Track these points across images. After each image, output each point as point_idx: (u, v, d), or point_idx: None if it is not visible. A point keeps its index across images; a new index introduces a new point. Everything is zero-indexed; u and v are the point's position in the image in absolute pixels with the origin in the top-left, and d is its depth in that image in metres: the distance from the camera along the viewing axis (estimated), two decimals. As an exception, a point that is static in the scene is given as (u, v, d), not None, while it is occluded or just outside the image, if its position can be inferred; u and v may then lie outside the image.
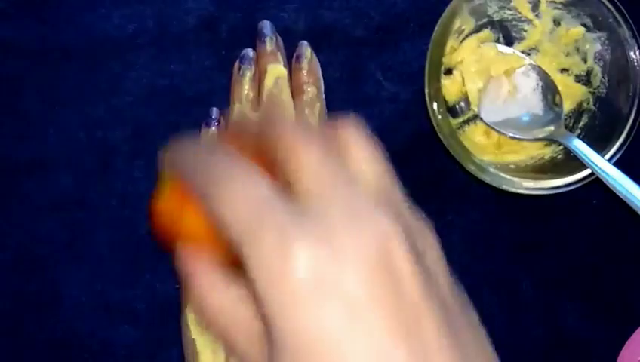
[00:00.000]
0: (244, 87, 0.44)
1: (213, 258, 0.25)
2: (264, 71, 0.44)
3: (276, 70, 0.44)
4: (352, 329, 0.21)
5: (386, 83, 0.46)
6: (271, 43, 0.44)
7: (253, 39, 0.45)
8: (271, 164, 0.24)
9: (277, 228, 0.21)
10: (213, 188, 0.23)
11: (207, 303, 0.24)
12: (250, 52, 0.44)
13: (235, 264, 0.23)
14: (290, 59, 0.45)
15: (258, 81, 0.44)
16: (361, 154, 0.25)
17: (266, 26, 0.45)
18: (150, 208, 0.28)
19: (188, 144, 0.27)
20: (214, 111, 0.44)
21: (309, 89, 0.44)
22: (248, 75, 0.44)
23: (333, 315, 0.21)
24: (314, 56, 0.45)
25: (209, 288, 0.24)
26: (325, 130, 0.26)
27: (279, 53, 0.44)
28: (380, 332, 0.21)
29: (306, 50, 0.44)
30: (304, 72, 0.44)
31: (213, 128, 0.44)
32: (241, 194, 0.22)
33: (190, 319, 0.42)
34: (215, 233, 0.24)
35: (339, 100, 0.46)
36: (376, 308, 0.21)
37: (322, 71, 0.45)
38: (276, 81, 0.44)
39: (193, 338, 0.41)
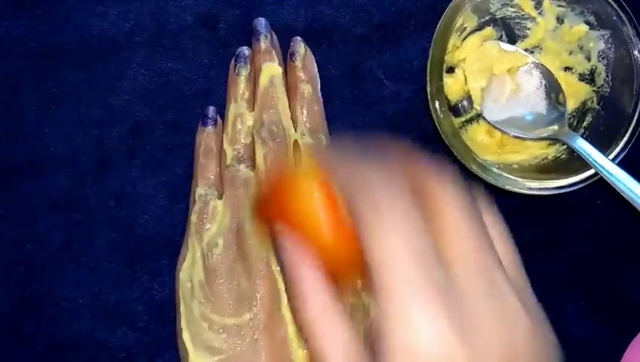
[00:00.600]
0: (240, 86, 0.43)
1: (319, 258, 0.27)
2: (259, 69, 0.43)
3: (271, 68, 0.43)
4: None
5: (387, 81, 0.45)
6: (265, 41, 0.44)
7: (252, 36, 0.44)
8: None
9: (422, 294, 0.23)
10: (378, 226, 0.24)
11: (308, 302, 0.26)
12: (245, 50, 0.44)
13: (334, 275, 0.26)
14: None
15: (254, 79, 0.44)
16: (501, 241, 0.27)
17: (261, 23, 0.44)
18: (274, 183, 0.29)
19: (361, 165, 0.27)
20: (211, 110, 0.44)
21: (304, 87, 0.43)
22: (244, 73, 0.43)
23: None
24: (308, 52, 0.44)
25: (313, 288, 0.26)
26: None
27: (274, 51, 0.44)
28: None
29: (299, 46, 0.44)
30: (298, 69, 0.43)
31: (210, 127, 0.43)
32: (401, 248, 0.23)
33: (184, 322, 0.41)
34: (335, 244, 0.27)
35: (339, 99, 0.45)
36: None
37: (322, 69, 0.45)
38: (271, 80, 0.43)
39: (184, 340, 0.41)
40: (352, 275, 0.28)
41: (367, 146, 0.29)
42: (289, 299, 0.38)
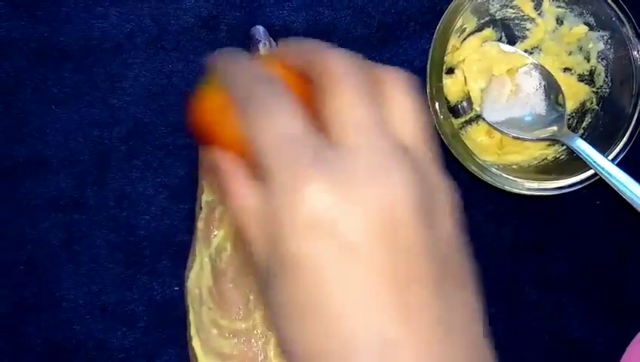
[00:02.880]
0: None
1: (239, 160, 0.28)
2: None
3: None
4: (341, 266, 0.23)
5: (387, 82, 0.45)
6: (264, 49, 0.43)
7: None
8: (309, 91, 0.27)
9: (297, 168, 0.24)
10: (254, 114, 0.25)
11: (233, 199, 0.27)
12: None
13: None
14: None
15: None
16: (403, 108, 0.26)
17: (259, 31, 0.44)
18: (192, 103, 0.30)
19: (239, 60, 0.29)
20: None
21: None
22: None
23: (326, 252, 0.23)
24: None
25: (236, 179, 0.27)
26: (372, 73, 0.27)
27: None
28: (369, 277, 0.23)
29: None
30: None
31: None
32: (276, 128, 0.25)
33: (193, 329, 0.41)
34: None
35: (339, 100, 0.45)
36: (369, 254, 0.23)
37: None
38: None
39: (194, 347, 0.41)
40: None
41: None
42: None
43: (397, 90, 0.27)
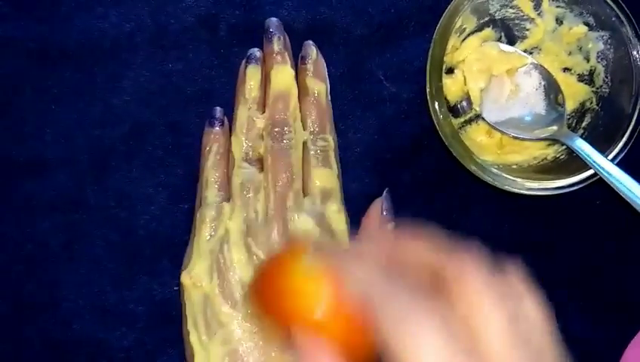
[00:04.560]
0: (251, 88, 0.43)
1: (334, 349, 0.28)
2: (270, 71, 0.43)
3: (283, 70, 0.43)
4: None
5: (387, 82, 0.45)
6: (279, 43, 0.43)
7: (253, 37, 0.44)
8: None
9: None
10: (401, 336, 0.26)
11: None
12: (257, 52, 0.43)
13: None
14: (294, 58, 0.44)
15: (265, 81, 0.43)
16: (534, 313, 0.30)
17: (274, 24, 0.43)
18: (278, 280, 0.30)
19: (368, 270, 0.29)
20: (217, 111, 0.43)
21: (314, 89, 0.43)
22: (255, 75, 0.43)
23: None
24: (320, 56, 0.44)
25: None
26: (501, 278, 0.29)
27: (287, 53, 0.43)
28: None
29: (311, 50, 0.44)
30: (310, 72, 0.43)
31: (217, 128, 0.43)
32: (430, 349, 0.25)
33: (190, 324, 0.41)
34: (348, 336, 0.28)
35: (339, 99, 0.45)
36: None
37: (322, 69, 0.45)
38: (284, 82, 0.43)
39: (191, 342, 0.40)
40: None
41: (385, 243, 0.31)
42: None
43: (525, 297, 0.30)
